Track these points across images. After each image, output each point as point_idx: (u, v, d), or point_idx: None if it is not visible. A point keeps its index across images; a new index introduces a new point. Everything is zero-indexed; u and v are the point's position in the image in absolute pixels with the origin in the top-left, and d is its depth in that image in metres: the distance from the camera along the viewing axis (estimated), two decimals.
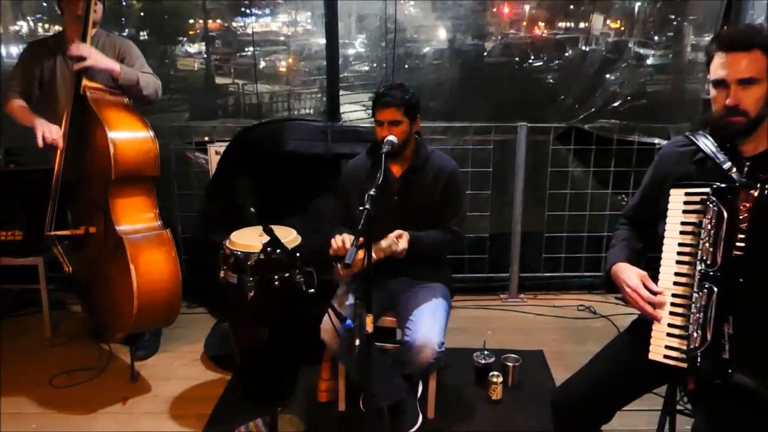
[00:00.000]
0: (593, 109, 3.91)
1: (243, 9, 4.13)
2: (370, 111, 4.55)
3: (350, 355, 2.71)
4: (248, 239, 2.91)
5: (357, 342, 2.44)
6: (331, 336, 2.64)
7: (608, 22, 4.36)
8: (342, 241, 2.62)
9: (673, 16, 4.15)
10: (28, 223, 3.57)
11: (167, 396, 3.13)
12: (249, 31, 4.18)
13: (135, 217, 3.01)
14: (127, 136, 2.94)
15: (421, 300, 2.73)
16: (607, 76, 3.90)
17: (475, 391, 3.15)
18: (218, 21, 4.56)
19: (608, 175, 4.05)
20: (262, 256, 2.76)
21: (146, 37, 4.43)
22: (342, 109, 4.71)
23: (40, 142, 3.00)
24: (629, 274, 2.01)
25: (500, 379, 3.06)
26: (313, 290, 2.88)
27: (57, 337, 3.68)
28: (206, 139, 4.00)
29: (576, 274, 4.25)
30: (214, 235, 3.55)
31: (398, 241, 2.62)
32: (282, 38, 4.40)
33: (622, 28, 4.14)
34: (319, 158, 3.65)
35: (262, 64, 4.40)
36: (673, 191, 1.94)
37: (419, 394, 3.01)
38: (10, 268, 3.65)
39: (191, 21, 4.60)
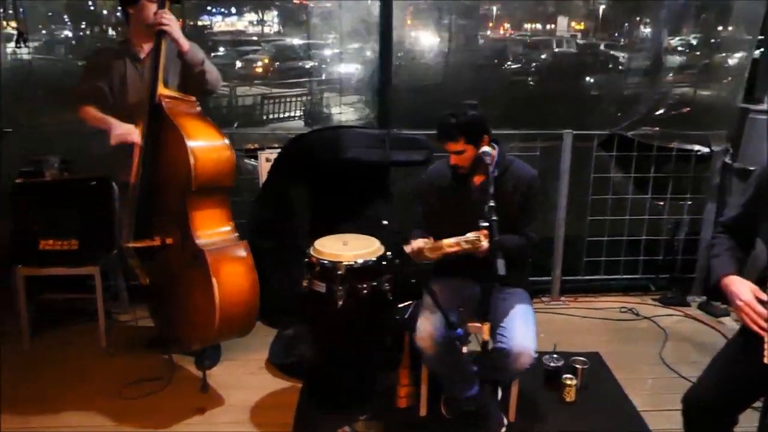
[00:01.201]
0: (637, 117, 4.03)
1: (209, 8, 4.09)
2: (362, 112, 4.67)
3: (444, 362, 2.76)
4: (334, 248, 2.93)
5: (464, 350, 2.51)
6: (429, 343, 2.67)
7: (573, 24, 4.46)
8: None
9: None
10: (83, 233, 3.51)
11: (242, 405, 3.12)
12: (215, 29, 4.12)
13: (213, 229, 2.97)
14: (206, 145, 2.90)
15: (509, 306, 2.78)
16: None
17: (547, 393, 3.22)
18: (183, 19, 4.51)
19: (647, 180, 4.18)
20: (353, 265, 2.83)
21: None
22: (334, 110, 4.79)
23: (114, 141, 3.00)
24: (742, 289, 2.09)
25: (574, 382, 3.14)
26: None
27: (111, 347, 3.63)
28: (255, 146, 3.98)
29: (615, 277, 4.37)
30: (262, 242, 3.57)
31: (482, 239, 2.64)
32: (255, 38, 4.38)
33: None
34: (377, 166, 3.67)
35: (238, 64, 4.38)
36: None
37: (499, 398, 3.07)
38: (52, 278, 3.59)
39: None
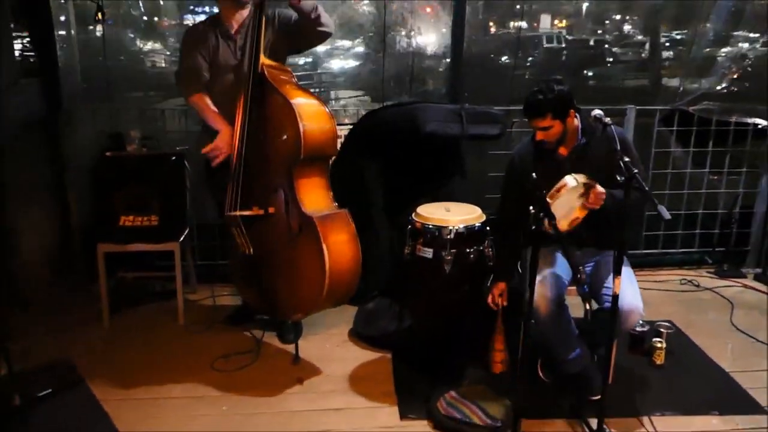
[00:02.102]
0: (699, 93, 4.12)
1: (191, 7, 4.09)
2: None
3: (555, 323, 2.79)
4: (438, 214, 2.96)
5: (588, 307, 2.56)
6: (544, 303, 2.70)
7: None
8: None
9: None
10: (164, 209, 3.49)
11: (339, 375, 3.13)
12: None
13: (318, 197, 2.99)
14: (313, 113, 2.91)
15: (611, 267, 2.83)
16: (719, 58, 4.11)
17: (633, 357, 3.27)
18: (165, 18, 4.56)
19: (706, 155, 4.27)
20: (460, 230, 2.86)
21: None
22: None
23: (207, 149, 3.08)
24: None
25: (664, 345, 3.21)
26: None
27: (190, 324, 3.61)
28: None
29: (671, 251, 4.46)
30: None
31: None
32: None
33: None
34: (454, 140, 3.71)
35: None
36: None
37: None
38: (128, 256, 3.57)
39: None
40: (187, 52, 3.19)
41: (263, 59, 2.96)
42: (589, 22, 4.37)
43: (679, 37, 4.43)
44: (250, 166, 2.98)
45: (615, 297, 2.42)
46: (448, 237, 2.85)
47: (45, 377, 2.98)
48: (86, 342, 3.38)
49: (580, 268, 2.63)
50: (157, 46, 4.57)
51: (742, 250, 4.46)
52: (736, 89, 4.13)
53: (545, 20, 7.77)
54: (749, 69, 4.13)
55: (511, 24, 6.53)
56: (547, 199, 2.56)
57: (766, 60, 4.10)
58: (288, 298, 2.95)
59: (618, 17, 4.59)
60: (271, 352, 3.35)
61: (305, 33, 3.08)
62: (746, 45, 4.18)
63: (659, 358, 3.21)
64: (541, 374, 3.08)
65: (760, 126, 4.18)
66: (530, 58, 6.94)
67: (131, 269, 3.83)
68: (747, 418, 2.83)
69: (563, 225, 2.59)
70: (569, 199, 2.59)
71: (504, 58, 6.06)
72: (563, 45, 7.51)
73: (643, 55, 4.62)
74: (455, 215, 2.94)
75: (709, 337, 3.54)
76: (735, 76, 4.10)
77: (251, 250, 2.98)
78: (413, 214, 3.02)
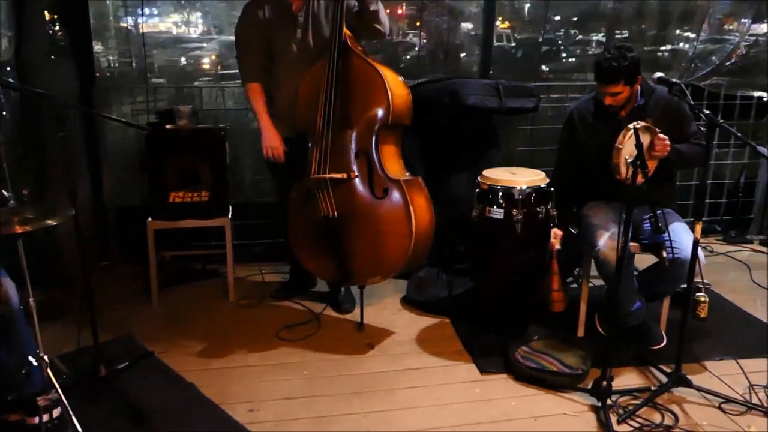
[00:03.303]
0: (711, 68, 4.36)
1: (129, 9, 4.14)
2: None
3: (618, 274, 2.92)
4: (505, 176, 3.07)
5: (664, 254, 2.70)
6: (614, 254, 2.83)
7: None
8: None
9: None
10: (214, 183, 3.47)
11: (406, 339, 3.21)
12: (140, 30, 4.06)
13: (397, 163, 3.10)
14: (397, 83, 3.04)
15: (670, 222, 2.98)
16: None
17: (677, 312, 3.44)
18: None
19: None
20: (528, 191, 2.97)
21: None
22: None
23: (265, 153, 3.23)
24: None
25: (707, 299, 3.40)
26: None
27: (239, 300, 3.61)
28: None
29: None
30: None
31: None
32: (196, 36, 4.45)
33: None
34: (493, 113, 3.82)
35: (183, 61, 4.43)
36: None
37: None
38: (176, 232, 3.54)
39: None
40: (244, 33, 3.20)
41: (345, 29, 3.01)
42: (531, 23, 4.59)
43: (619, 36, 4.71)
44: (334, 131, 3.03)
45: (696, 242, 2.58)
46: (520, 197, 2.95)
47: (115, 351, 2.94)
48: (140, 321, 3.33)
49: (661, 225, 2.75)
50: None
51: (745, 218, 4.73)
52: (742, 65, 4.38)
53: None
54: (754, 49, 4.39)
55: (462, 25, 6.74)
56: (617, 146, 2.70)
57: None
58: (370, 261, 3.01)
59: (558, 18, 4.83)
60: (330, 321, 3.39)
61: (360, 25, 3.11)
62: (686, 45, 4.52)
63: (703, 312, 3.40)
64: (599, 328, 3.23)
65: (764, 99, 4.46)
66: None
67: (170, 248, 3.77)
68: None
69: (623, 171, 2.72)
70: (632, 145, 2.71)
71: (462, 55, 6.25)
72: (513, 44, 7.82)
73: (590, 52, 4.85)
74: (522, 177, 3.05)
75: (736, 294, 3.76)
76: (743, 52, 4.36)
77: (335, 213, 3.02)
78: (479, 177, 3.11)
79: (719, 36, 4.47)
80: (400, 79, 3.07)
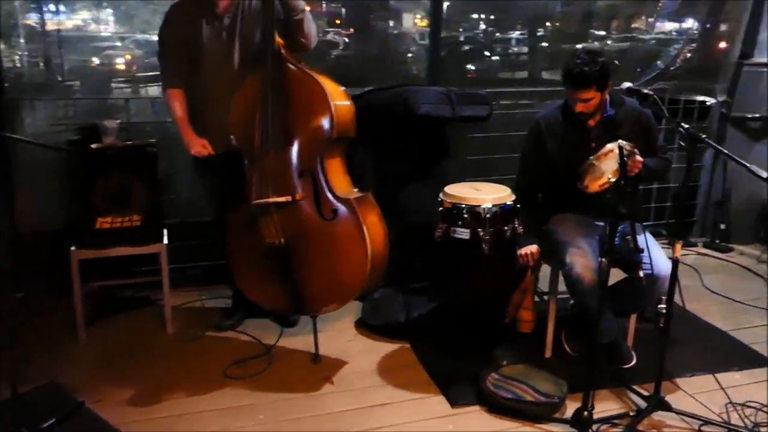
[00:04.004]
0: (656, 73, 4.34)
1: (33, 6, 3.87)
2: None
3: (595, 292, 2.79)
4: (470, 193, 2.89)
5: (641, 274, 2.59)
6: (588, 273, 2.70)
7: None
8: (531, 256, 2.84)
9: None
10: (146, 206, 3.13)
11: (367, 370, 2.98)
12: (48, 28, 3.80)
13: (344, 180, 2.85)
14: (338, 93, 2.78)
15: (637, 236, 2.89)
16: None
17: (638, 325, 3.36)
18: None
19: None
20: (494, 209, 2.81)
21: None
22: None
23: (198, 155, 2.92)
24: None
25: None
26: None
27: (178, 332, 3.28)
28: None
29: None
30: None
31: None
32: (109, 34, 4.19)
33: None
34: (448, 121, 3.64)
35: (96, 61, 4.16)
36: None
37: None
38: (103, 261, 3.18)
39: None
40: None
41: (277, 37, 2.74)
42: (449, 21, 4.54)
43: (540, 34, 4.72)
44: (274, 150, 2.76)
45: (675, 262, 2.48)
46: (487, 216, 2.78)
47: (39, 404, 2.57)
48: (66, 364, 2.95)
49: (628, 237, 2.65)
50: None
51: (690, 222, 4.76)
52: (686, 69, 4.39)
53: (407, 19, 8.03)
54: (693, 53, 4.41)
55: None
56: (593, 161, 2.57)
57: (710, 42, 4.43)
58: (324, 288, 2.76)
59: (475, 16, 4.80)
60: (282, 353, 3.11)
61: (283, 35, 2.83)
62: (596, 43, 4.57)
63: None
64: (567, 347, 3.10)
65: (707, 103, 4.48)
66: (410, 55, 7.08)
67: (98, 277, 3.39)
68: (762, 371, 3.01)
69: (594, 186, 2.61)
70: (610, 164, 2.60)
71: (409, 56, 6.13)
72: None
73: (510, 51, 4.83)
74: (487, 194, 2.88)
75: (693, 302, 3.72)
76: (688, 55, 4.36)
77: (281, 239, 2.74)
78: (441, 194, 2.92)
79: (630, 34, 4.51)
80: (341, 88, 2.83)
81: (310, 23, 2.86)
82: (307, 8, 2.85)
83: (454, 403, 2.70)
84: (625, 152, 2.49)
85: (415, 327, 3.24)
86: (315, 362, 3.02)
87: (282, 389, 2.79)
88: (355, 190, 2.87)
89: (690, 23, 4.53)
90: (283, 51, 2.74)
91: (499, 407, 2.64)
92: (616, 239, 2.93)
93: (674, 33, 4.53)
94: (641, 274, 2.57)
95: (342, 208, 2.69)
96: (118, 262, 3.32)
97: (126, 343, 3.17)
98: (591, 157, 2.53)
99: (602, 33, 4.67)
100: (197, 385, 2.81)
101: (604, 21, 4.56)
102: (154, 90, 3.80)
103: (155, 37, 3.01)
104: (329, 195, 2.71)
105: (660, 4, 4.38)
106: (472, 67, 5.52)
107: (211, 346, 3.16)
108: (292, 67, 2.73)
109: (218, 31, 2.90)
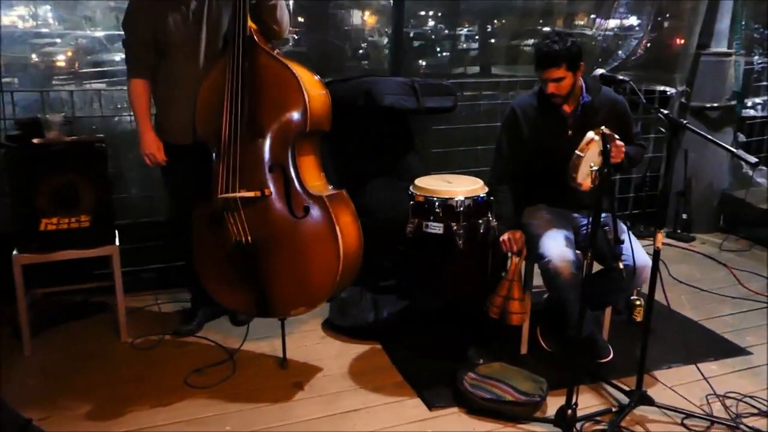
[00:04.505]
0: (617, 63, 4.31)
1: None
2: None
3: (573, 285, 2.71)
4: (442, 186, 2.78)
5: (621, 265, 2.52)
6: (565, 265, 2.62)
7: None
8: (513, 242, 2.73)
9: None
10: (95, 206, 2.91)
11: (338, 374, 2.83)
12: None
13: (316, 176, 2.70)
14: (313, 83, 2.63)
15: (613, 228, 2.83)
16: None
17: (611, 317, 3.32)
18: None
19: None
20: (468, 202, 2.70)
21: None
22: None
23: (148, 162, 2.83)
24: None
25: (642, 302, 3.30)
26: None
27: (134, 340, 3.07)
28: None
29: None
30: None
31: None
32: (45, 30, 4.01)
33: None
34: (412, 113, 3.51)
35: (35, 58, 3.97)
36: None
37: None
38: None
39: None
40: (130, 21, 2.74)
41: (250, 22, 2.58)
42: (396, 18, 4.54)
43: (489, 30, 4.74)
44: (243, 143, 2.59)
45: (657, 252, 2.42)
46: (460, 209, 2.67)
47: None
48: (11, 378, 2.72)
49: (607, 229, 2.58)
50: None
51: (651, 212, 4.76)
52: (646, 59, 4.38)
53: (356, 15, 7.96)
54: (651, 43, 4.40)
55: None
56: (579, 153, 2.48)
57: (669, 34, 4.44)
58: (293, 290, 2.59)
59: (423, 13, 4.77)
60: (247, 358, 2.94)
61: (254, 21, 2.66)
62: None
63: (639, 315, 3.30)
64: (542, 343, 3.02)
65: (668, 93, 4.49)
66: (360, 51, 7.02)
67: (46, 283, 3.15)
68: (737, 360, 3.00)
69: (587, 183, 2.52)
70: (593, 154, 2.52)
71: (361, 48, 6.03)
72: (385, 39, 7.74)
73: (459, 47, 4.80)
74: (460, 186, 2.77)
75: (660, 292, 3.69)
76: (647, 46, 4.34)
77: (249, 238, 2.57)
78: (412, 188, 2.80)
79: (577, 30, 4.56)
80: (316, 77, 2.68)
81: (283, 10, 2.72)
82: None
83: (431, 405, 2.58)
84: (608, 139, 2.42)
85: (386, 327, 3.11)
86: (282, 367, 2.86)
87: (249, 397, 2.62)
88: (330, 187, 2.72)
89: (633, 20, 4.54)
90: (255, 37, 2.58)
91: (478, 408, 2.53)
92: (583, 231, 2.90)
93: (616, 30, 4.53)
94: (621, 265, 2.50)
95: (314, 206, 2.54)
96: (68, 267, 3.09)
97: (77, 353, 2.95)
98: (577, 150, 2.43)
99: (549, 29, 4.66)
100: (156, 396, 2.62)
101: (549, 18, 4.57)
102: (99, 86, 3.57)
103: (98, 33, 2.80)
104: (301, 191, 2.56)
105: (616, 3, 4.36)
106: (423, 63, 5.46)
107: (170, 354, 2.97)
108: (264, 53, 2.57)
109: (185, 15, 2.74)
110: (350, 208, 2.66)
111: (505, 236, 2.75)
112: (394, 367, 2.87)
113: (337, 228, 2.50)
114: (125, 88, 2.89)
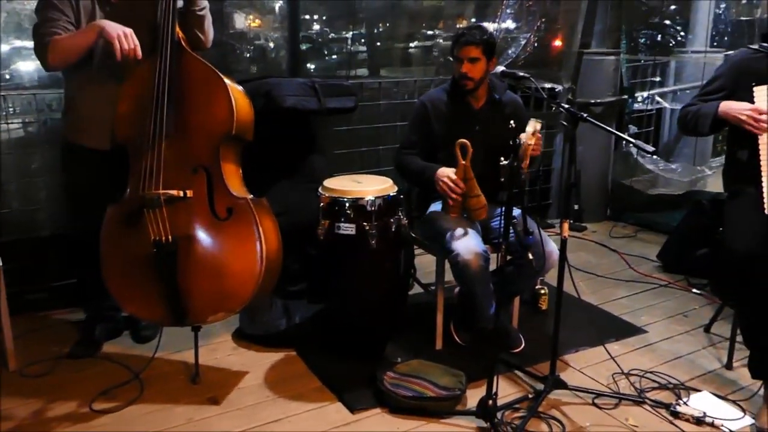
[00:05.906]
0: (509, 61, 4.45)
1: None
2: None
3: (483, 278, 2.76)
4: (350, 186, 2.75)
5: (531, 257, 2.59)
6: (475, 258, 2.66)
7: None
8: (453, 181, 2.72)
9: None
10: None
11: (254, 385, 2.73)
12: None
13: (239, 181, 2.64)
14: (238, 88, 2.62)
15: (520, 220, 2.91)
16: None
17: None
18: None
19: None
20: (379, 201, 2.69)
21: None
22: None
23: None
24: (741, 105, 2.53)
25: (546, 290, 3.42)
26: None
27: (23, 367, 2.82)
28: None
29: None
30: None
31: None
32: None
33: None
34: (314, 114, 3.46)
35: None
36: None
37: None
38: None
39: None
40: (51, 7, 2.55)
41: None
42: (283, 21, 4.54)
43: (375, 33, 4.88)
44: (167, 142, 2.50)
45: (564, 241, 2.51)
46: (372, 209, 2.65)
47: None
48: None
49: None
50: None
51: (544, 204, 4.98)
52: (534, 57, 4.56)
53: (239, 20, 7.87)
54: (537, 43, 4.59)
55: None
56: (528, 142, 2.48)
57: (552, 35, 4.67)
58: (211, 295, 2.49)
59: (307, 17, 4.86)
60: (155, 376, 2.78)
61: (181, 27, 2.59)
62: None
63: (544, 304, 3.42)
64: (456, 337, 3.06)
65: (555, 90, 4.69)
66: (247, 55, 6.94)
67: None
68: (636, 339, 3.18)
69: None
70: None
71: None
72: (271, 43, 7.71)
73: (344, 50, 4.90)
74: (369, 186, 2.75)
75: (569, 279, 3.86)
76: (535, 44, 4.52)
77: (169, 237, 2.46)
78: (320, 189, 2.76)
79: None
80: (239, 88, 2.64)
81: (210, 22, 2.70)
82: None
83: (353, 408, 2.55)
84: (537, 131, 2.45)
85: (299, 332, 3.05)
86: (194, 382, 2.72)
87: (160, 418, 2.48)
88: (250, 196, 2.63)
89: (509, 23, 4.74)
90: (182, 42, 2.54)
91: (401, 407, 2.52)
92: (494, 223, 2.97)
93: (498, 33, 4.71)
94: (530, 257, 2.57)
95: (238, 208, 2.49)
96: None
97: None
98: (525, 139, 2.41)
99: (431, 32, 4.82)
100: (58, 426, 2.42)
101: (431, 21, 4.70)
102: None
103: None
104: (225, 193, 2.51)
105: (503, 5, 4.51)
106: (312, 66, 5.44)
107: (69, 379, 2.74)
108: (192, 57, 2.53)
109: (110, 16, 2.59)
110: (271, 216, 2.62)
111: (440, 180, 2.74)
112: (311, 373, 2.81)
113: (261, 229, 2.46)
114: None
